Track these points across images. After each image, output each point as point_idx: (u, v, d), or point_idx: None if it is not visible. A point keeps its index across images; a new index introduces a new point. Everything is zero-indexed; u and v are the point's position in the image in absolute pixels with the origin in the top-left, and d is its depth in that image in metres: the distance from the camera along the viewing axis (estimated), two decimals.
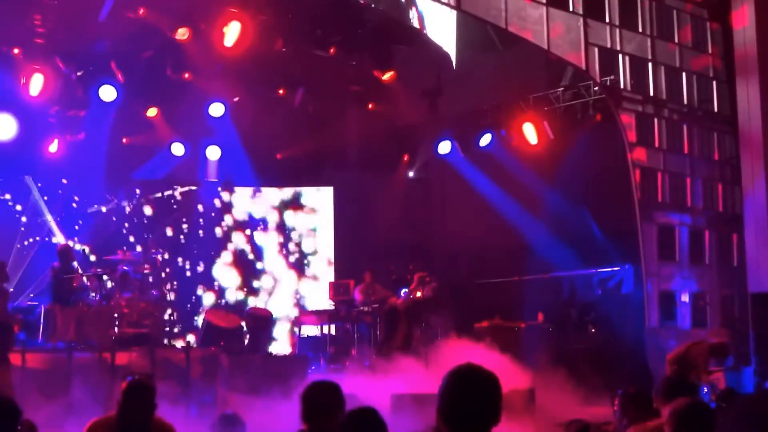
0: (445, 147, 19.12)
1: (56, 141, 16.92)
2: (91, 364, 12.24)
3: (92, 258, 17.14)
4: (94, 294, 13.75)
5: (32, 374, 12.00)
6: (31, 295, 15.28)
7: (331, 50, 16.64)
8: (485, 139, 18.66)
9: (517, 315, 16.87)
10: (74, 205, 17.79)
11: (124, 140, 18.10)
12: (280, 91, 18.00)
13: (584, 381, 13.28)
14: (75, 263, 14.48)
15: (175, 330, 16.74)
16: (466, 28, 17.79)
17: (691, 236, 15.94)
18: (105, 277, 13.85)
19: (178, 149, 18.19)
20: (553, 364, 13.78)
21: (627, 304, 16.27)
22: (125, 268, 14.24)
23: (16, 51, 15.12)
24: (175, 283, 14.88)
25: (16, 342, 12.63)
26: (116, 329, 13.44)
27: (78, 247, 16.95)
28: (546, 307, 17.11)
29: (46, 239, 17.28)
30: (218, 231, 19.35)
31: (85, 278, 13.94)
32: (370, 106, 18.85)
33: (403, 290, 15.32)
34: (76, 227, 17.66)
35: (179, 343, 15.47)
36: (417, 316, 15.03)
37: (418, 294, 15.05)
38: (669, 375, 6.03)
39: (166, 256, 15.88)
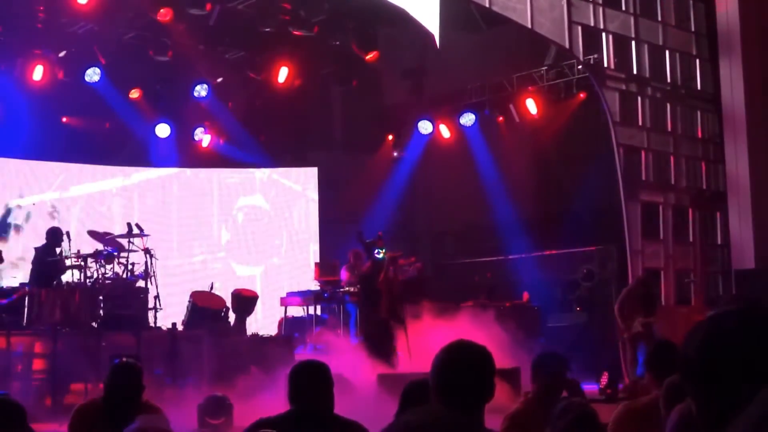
0: (429, 126, 19.11)
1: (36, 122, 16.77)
2: (77, 346, 12.20)
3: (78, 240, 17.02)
4: (79, 276, 13.65)
5: (18, 357, 11.96)
6: (14, 277, 15.15)
7: (315, 30, 16.57)
8: (469, 119, 18.68)
9: (502, 294, 16.94)
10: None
11: (106, 125, 17.96)
12: (264, 72, 17.90)
13: (569, 360, 13.32)
14: (62, 246, 14.26)
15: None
16: (450, 8, 17.74)
17: (674, 214, 16.01)
18: (90, 259, 13.74)
19: (162, 130, 18.10)
20: (538, 344, 13.82)
21: (611, 283, 16.35)
22: (111, 249, 14.15)
23: None
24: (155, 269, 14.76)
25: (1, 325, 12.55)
26: (102, 311, 13.38)
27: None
28: (531, 286, 17.19)
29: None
30: (206, 213, 19.28)
31: (69, 260, 13.80)
32: (353, 84, 18.78)
33: (377, 251, 14.71)
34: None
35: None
36: (400, 297, 14.97)
37: (396, 270, 14.80)
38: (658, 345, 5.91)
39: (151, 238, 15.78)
